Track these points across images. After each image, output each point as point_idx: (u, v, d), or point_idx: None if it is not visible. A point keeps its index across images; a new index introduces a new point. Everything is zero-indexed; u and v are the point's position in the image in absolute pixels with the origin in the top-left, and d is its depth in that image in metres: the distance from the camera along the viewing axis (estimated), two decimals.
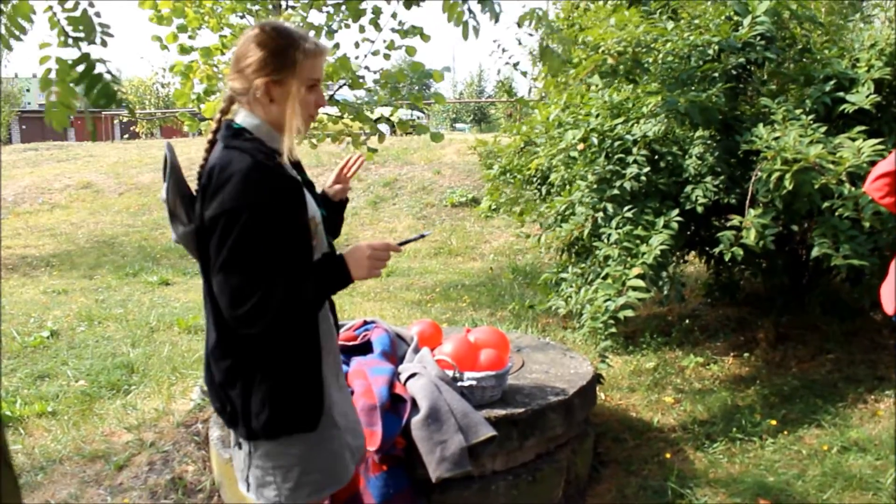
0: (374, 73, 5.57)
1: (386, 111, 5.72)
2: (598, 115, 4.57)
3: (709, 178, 4.38)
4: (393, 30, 5.40)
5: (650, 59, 4.64)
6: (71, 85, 2.22)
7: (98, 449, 3.64)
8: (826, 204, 3.82)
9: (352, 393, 2.87)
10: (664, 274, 4.37)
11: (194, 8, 5.02)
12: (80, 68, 2.14)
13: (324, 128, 5.80)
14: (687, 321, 5.76)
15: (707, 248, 5.36)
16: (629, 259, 4.09)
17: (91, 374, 4.81)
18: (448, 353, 3.10)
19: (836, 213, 3.80)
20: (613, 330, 3.92)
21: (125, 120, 27.56)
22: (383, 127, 5.85)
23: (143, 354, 5.24)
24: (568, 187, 4.78)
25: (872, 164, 3.35)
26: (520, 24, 3.39)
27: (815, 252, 3.85)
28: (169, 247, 10.25)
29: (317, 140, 5.77)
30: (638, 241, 4.13)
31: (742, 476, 3.50)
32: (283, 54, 1.92)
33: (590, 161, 4.51)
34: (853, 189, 3.68)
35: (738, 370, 4.87)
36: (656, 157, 4.53)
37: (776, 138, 3.93)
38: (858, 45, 4.63)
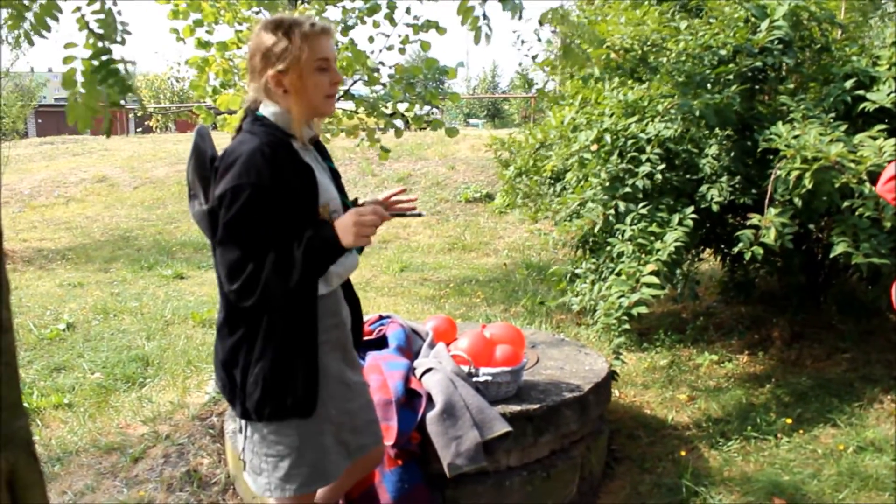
0: (389, 67, 5.58)
1: (401, 107, 5.71)
2: (612, 115, 4.55)
3: (724, 178, 4.36)
4: (408, 24, 5.39)
5: (661, 59, 4.61)
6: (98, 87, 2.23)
7: (114, 441, 3.66)
8: (846, 203, 3.79)
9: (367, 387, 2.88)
10: (678, 271, 4.36)
11: (210, 2, 5.03)
12: (101, 60, 2.15)
13: (338, 123, 5.80)
14: (701, 319, 5.74)
15: (722, 247, 5.34)
16: (643, 256, 4.07)
17: (107, 367, 4.84)
18: (463, 348, 3.10)
19: (856, 213, 3.77)
20: (627, 326, 3.91)
21: (140, 114, 27.70)
22: (398, 122, 5.85)
23: (159, 347, 5.26)
24: (581, 184, 4.77)
25: None
26: (541, 23, 3.38)
27: (835, 250, 3.82)
28: (184, 241, 10.29)
29: (331, 135, 5.77)
30: (652, 238, 4.11)
31: (757, 475, 3.49)
32: (280, 45, 1.98)
33: (603, 160, 4.49)
34: (874, 188, 3.65)
35: (752, 368, 4.85)
36: (671, 155, 4.51)
37: (796, 137, 3.90)
38: (879, 42, 4.60)
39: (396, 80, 5.50)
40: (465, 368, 3.03)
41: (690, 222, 4.12)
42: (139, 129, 27.88)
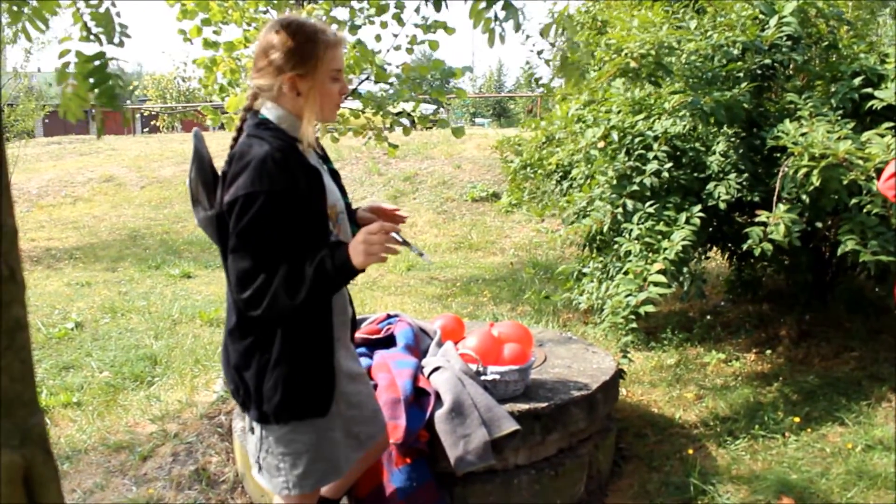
0: (396, 67, 5.59)
1: (408, 106, 5.73)
2: (619, 112, 4.55)
3: (732, 175, 4.36)
4: (416, 25, 5.40)
5: (673, 60, 4.61)
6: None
7: (122, 439, 3.67)
8: (854, 200, 3.78)
9: (375, 386, 2.88)
10: (685, 270, 4.35)
11: (218, 2, 5.05)
12: (95, 64, 2.17)
13: (346, 122, 5.82)
14: (708, 317, 5.73)
15: (730, 245, 5.33)
16: (651, 254, 4.07)
17: (115, 366, 4.85)
18: (471, 347, 3.11)
19: (864, 210, 3.76)
20: (634, 325, 3.91)
21: (146, 114, 27.75)
22: (404, 121, 5.86)
23: (166, 346, 5.27)
24: (588, 182, 4.77)
25: None
26: (543, 35, 3.38)
27: (843, 248, 3.82)
28: (191, 240, 10.32)
29: (338, 134, 5.78)
30: (659, 237, 4.11)
31: (765, 473, 3.48)
32: (306, 48, 1.98)
33: (610, 157, 4.49)
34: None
35: (760, 367, 4.84)
36: (678, 153, 4.50)
37: (803, 134, 3.89)
38: (887, 40, 4.59)
39: (403, 80, 5.51)
40: (474, 367, 3.04)
41: (698, 221, 4.12)
42: (146, 129, 27.95)
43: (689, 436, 3.92)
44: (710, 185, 4.38)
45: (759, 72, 4.46)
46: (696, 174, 4.48)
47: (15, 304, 0.97)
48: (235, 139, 2.08)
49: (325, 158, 2.24)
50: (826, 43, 4.69)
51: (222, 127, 5.22)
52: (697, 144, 4.59)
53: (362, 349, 3.34)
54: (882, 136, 3.81)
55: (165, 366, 4.87)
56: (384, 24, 5.49)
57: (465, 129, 5.84)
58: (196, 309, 6.34)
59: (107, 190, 13.37)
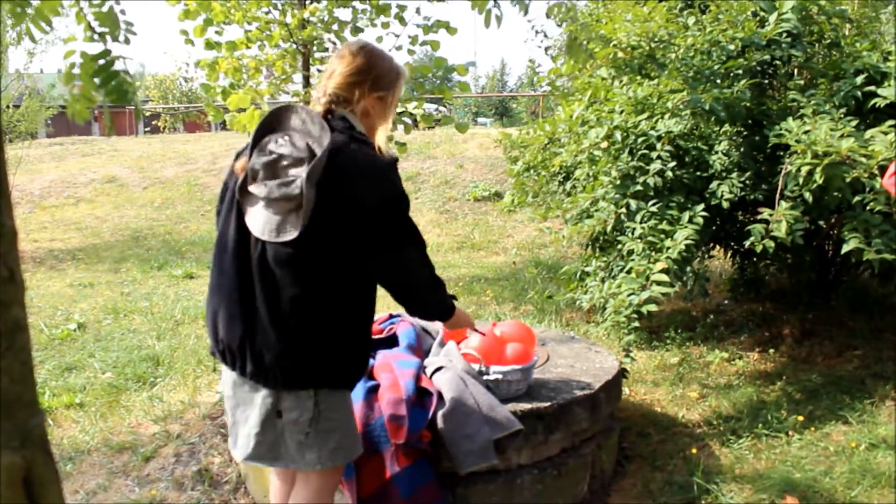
0: None
1: (411, 105, 5.72)
2: (622, 112, 4.54)
3: (735, 174, 4.35)
4: (418, 25, 5.39)
5: (669, 55, 4.60)
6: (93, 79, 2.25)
7: (125, 440, 3.67)
8: (857, 198, 3.77)
9: (378, 386, 2.88)
10: (688, 269, 4.35)
11: (221, 2, 5.05)
12: (101, 63, 2.17)
13: None
14: (711, 316, 5.72)
15: (732, 244, 5.32)
16: (654, 253, 4.07)
17: (117, 367, 4.86)
18: (474, 346, 3.10)
19: (868, 208, 3.75)
20: (637, 324, 3.91)
21: (148, 114, 27.77)
22: (406, 120, 5.86)
23: (169, 347, 5.28)
24: (592, 182, 4.76)
25: None
26: (548, 16, 3.39)
27: (846, 247, 3.81)
28: (193, 240, 10.32)
29: None
30: (663, 236, 4.10)
31: (768, 472, 3.47)
32: (388, 76, 2.27)
33: (613, 158, 4.49)
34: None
35: (763, 366, 4.83)
36: (681, 152, 4.49)
37: (806, 132, 3.89)
38: (890, 38, 4.58)
39: (406, 80, 5.50)
40: (476, 367, 3.03)
41: (701, 220, 4.11)
42: (147, 129, 27.97)
43: (693, 435, 3.91)
44: (713, 184, 4.38)
45: (758, 69, 4.45)
46: (698, 173, 4.48)
47: (14, 305, 0.97)
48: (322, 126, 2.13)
49: None
50: (829, 41, 4.67)
51: (224, 125, 5.21)
52: (700, 143, 4.58)
53: None
54: (885, 133, 3.80)
55: (168, 366, 4.87)
56: (386, 25, 5.48)
57: (468, 125, 5.83)
58: (198, 309, 6.35)
59: (109, 191, 13.38)
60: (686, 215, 4.14)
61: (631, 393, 4.42)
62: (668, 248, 3.99)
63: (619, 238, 4.33)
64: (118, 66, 2.19)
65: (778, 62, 4.48)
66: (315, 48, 5.47)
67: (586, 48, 3.22)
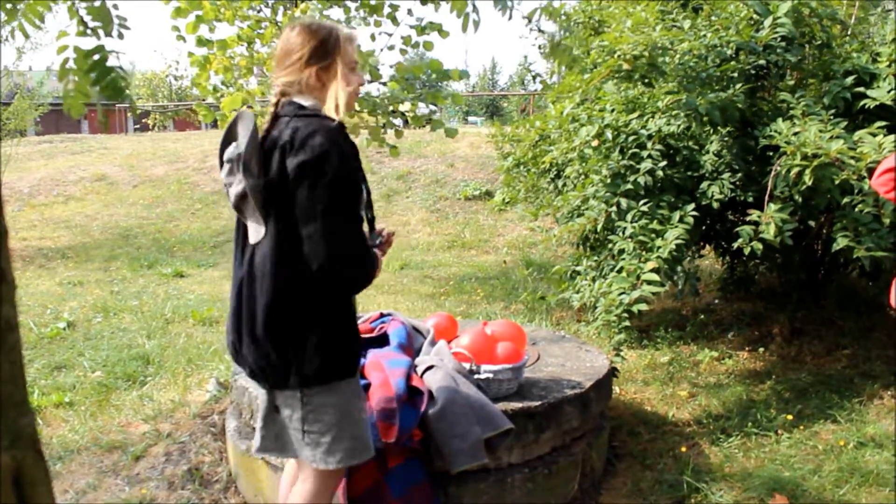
0: (390, 67, 5.58)
1: (404, 106, 5.72)
2: (612, 111, 4.55)
3: (726, 175, 4.36)
4: (410, 26, 5.39)
5: (667, 60, 4.61)
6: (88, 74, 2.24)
7: (115, 439, 3.66)
8: (846, 200, 3.79)
9: (369, 385, 2.88)
10: (679, 268, 4.36)
11: (210, 0, 5.03)
12: (95, 58, 2.17)
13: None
14: (701, 316, 5.74)
15: (722, 243, 5.34)
16: (644, 253, 4.08)
17: (107, 365, 4.84)
18: (465, 345, 3.11)
19: (857, 209, 3.77)
20: (627, 323, 3.92)
21: (138, 112, 27.64)
22: (396, 121, 5.85)
23: (159, 346, 5.26)
24: (582, 180, 4.77)
25: None
26: (529, 19, 3.40)
27: (837, 245, 3.82)
28: (183, 239, 10.29)
29: None
30: (653, 235, 4.11)
31: (757, 471, 3.49)
32: (327, 43, 2.19)
33: (604, 156, 4.49)
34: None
35: (752, 365, 4.86)
36: (671, 151, 4.50)
37: (796, 133, 3.90)
38: (879, 39, 4.59)
39: (398, 80, 5.50)
40: (467, 366, 3.03)
41: (691, 219, 4.12)
42: (136, 127, 27.84)
43: (683, 434, 3.93)
44: (704, 184, 4.39)
45: (752, 72, 4.46)
46: (689, 173, 4.49)
47: (5, 304, 0.97)
48: (272, 124, 2.20)
49: None
50: (819, 42, 4.69)
51: (215, 124, 5.20)
52: (691, 143, 4.59)
53: None
54: (874, 135, 3.82)
55: (158, 365, 4.86)
56: (378, 24, 5.48)
57: (457, 130, 5.83)
58: (188, 308, 6.33)
59: (99, 189, 13.32)
60: (676, 215, 4.15)
61: (621, 392, 4.43)
62: (659, 247, 4.00)
63: (609, 237, 4.34)
64: (112, 61, 2.19)
65: (772, 66, 4.49)
66: None
67: (568, 50, 3.23)
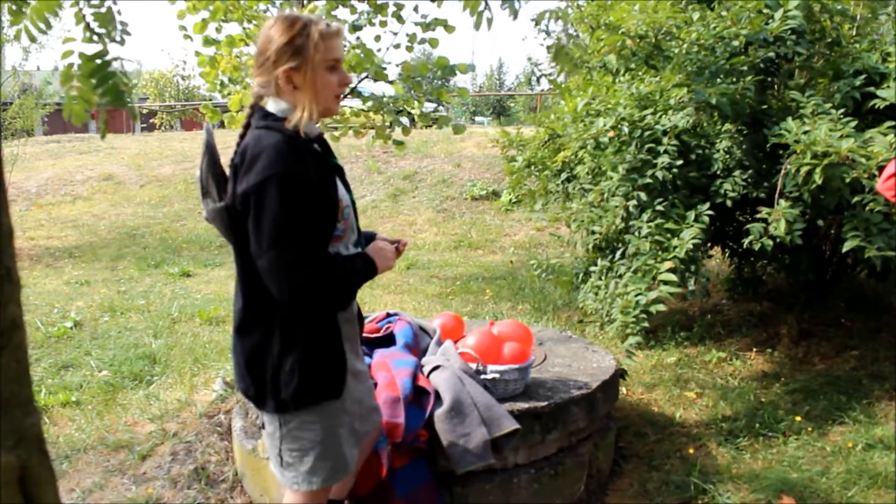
0: (396, 66, 5.58)
1: (410, 105, 5.72)
2: (625, 106, 4.52)
3: (737, 172, 4.34)
4: (416, 23, 5.39)
5: (673, 47, 4.58)
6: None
7: (121, 439, 3.66)
8: (856, 199, 3.77)
9: (375, 385, 2.87)
10: (694, 268, 4.33)
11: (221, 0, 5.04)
12: (98, 63, 2.16)
13: (346, 121, 5.80)
14: (709, 316, 5.72)
15: (730, 243, 5.32)
16: (660, 253, 4.05)
17: (114, 365, 4.85)
18: (471, 345, 3.10)
19: (867, 208, 3.75)
20: (646, 324, 3.90)
21: (144, 112, 27.71)
22: (403, 119, 5.85)
23: (165, 345, 5.27)
24: (595, 178, 4.73)
25: None
26: (537, 23, 3.39)
27: (847, 245, 3.79)
28: (190, 238, 10.30)
29: (339, 133, 5.77)
30: (669, 235, 4.08)
31: (765, 472, 3.47)
32: (297, 41, 1.99)
33: (618, 150, 4.46)
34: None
35: (760, 366, 4.84)
36: (686, 149, 4.48)
37: (806, 132, 3.88)
38: (890, 39, 4.56)
39: (404, 79, 5.50)
40: (473, 366, 3.03)
41: (707, 219, 4.09)
42: (143, 127, 27.90)
43: (690, 435, 3.91)
44: (717, 182, 4.37)
45: (762, 66, 4.43)
46: (702, 171, 4.47)
47: (11, 303, 0.96)
48: (242, 135, 2.10)
49: (329, 153, 2.24)
50: (829, 40, 4.66)
51: (222, 125, 5.21)
52: (702, 141, 4.57)
53: (362, 348, 3.33)
54: (884, 134, 3.79)
55: (164, 365, 4.86)
56: (384, 23, 5.47)
57: (465, 127, 5.82)
58: (195, 307, 6.34)
59: (106, 188, 13.36)
60: (692, 214, 4.12)
61: (628, 392, 4.42)
62: (675, 247, 3.98)
63: (624, 238, 4.31)
64: (114, 66, 2.18)
65: (781, 59, 4.46)
66: None
67: (571, 56, 3.23)
